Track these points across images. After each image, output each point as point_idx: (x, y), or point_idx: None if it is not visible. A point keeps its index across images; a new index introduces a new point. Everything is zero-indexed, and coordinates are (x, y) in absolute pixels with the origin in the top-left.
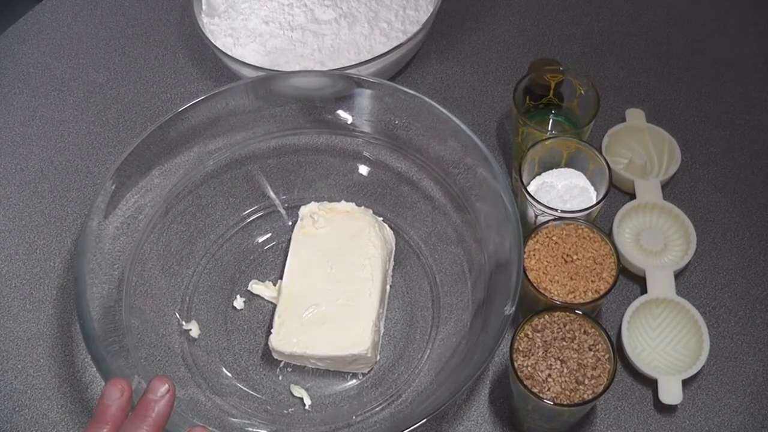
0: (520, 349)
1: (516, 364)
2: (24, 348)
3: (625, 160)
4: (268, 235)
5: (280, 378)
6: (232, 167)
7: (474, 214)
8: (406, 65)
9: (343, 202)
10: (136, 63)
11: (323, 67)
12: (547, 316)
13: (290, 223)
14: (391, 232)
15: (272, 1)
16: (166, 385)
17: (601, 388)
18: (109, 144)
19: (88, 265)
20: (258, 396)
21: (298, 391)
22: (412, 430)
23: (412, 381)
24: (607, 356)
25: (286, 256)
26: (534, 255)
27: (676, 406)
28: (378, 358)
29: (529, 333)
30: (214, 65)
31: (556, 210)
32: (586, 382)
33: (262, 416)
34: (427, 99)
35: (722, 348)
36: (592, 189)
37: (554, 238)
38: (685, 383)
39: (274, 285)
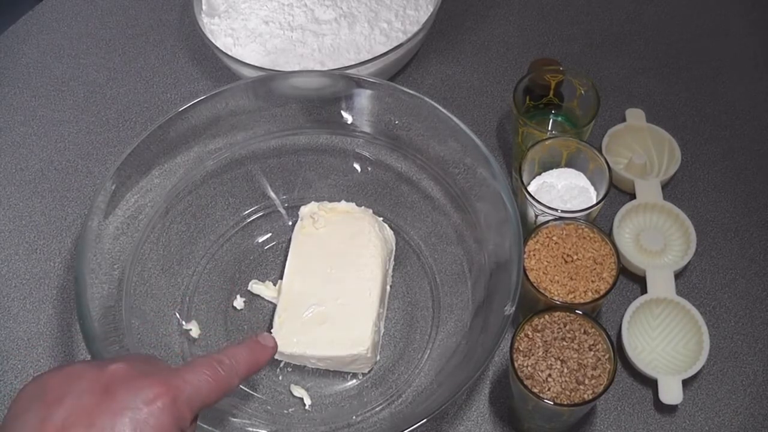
0: (520, 349)
1: (516, 364)
2: (24, 348)
3: (625, 160)
4: (268, 235)
5: (280, 378)
6: (232, 167)
7: (474, 214)
8: (406, 65)
9: (343, 202)
10: (136, 63)
11: (323, 67)
12: (547, 316)
13: (290, 223)
14: (391, 232)
15: (272, 1)
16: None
17: (601, 388)
18: (109, 144)
19: (88, 265)
20: (258, 396)
21: (298, 391)
22: (412, 430)
23: (412, 381)
24: (607, 356)
25: (286, 256)
26: (534, 255)
27: (676, 406)
28: (378, 358)
29: (529, 333)
30: (214, 65)
31: (557, 210)
32: (586, 382)
33: (262, 416)
34: (427, 99)
35: (722, 348)
36: (592, 189)
37: (554, 238)
38: (685, 383)
39: (274, 285)
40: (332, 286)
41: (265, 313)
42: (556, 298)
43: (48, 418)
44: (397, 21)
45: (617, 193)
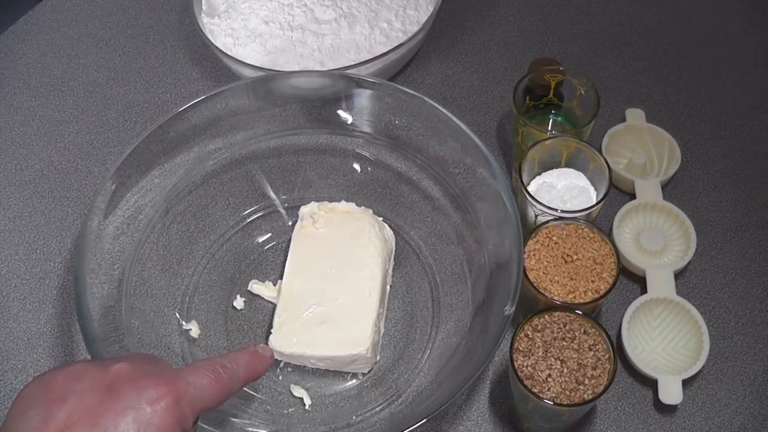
0: (520, 349)
1: (516, 364)
2: (24, 348)
3: (625, 160)
4: (268, 235)
5: (280, 378)
6: (232, 167)
7: (474, 214)
8: (406, 65)
9: (343, 202)
10: (136, 63)
11: (323, 67)
12: (547, 316)
13: (290, 223)
14: (391, 232)
15: (272, 1)
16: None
17: (601, 388)
18: (109, 144)
19: (88, 265)
20: (258, 396)
21: (298, 391)
22: (412, 430)
23: (412, 381)
24: (607, 356)
25: (286, 256)
26: (534, 255)
27: (676, 406)
28: (378, 358)
29: (529, 333)
30: (214, 65)
31: (556, 210)
32: (586, 382)
33: (262, 416)
34: (427, 99)
35: (722, 348)
36: (592, 189)
37: (554, 238)
38: (685, 383)
39: (274, 285)
40: (332, 286)
41: (265, 313)
42: (556, 298)
43: (50, 418)
44: (397, 21)
45: (617, 193)
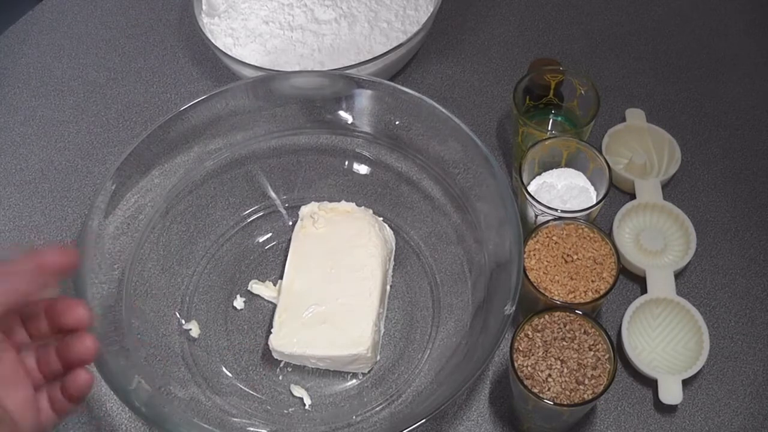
0: (520, 349)
1: (516, 364)
2: None
3: (625, 160)
4: (269, 235)
5: (280, 378)
6: (232, 167)
7: (474, 214)
8: (406, 65)
9: (343, 202)
10: (136, 63)
11: (323, 67)
12: (547, 316)
13: (290, 223)
14: (391, 232)
15: (272, 1)
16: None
17: (601, 388)
18: (109, 144)
19: (88, 265)
20: (258, 396)
21: (298, 391)
22: (412, 430)
23: (412, 381)
24: (607, 356)
25: (287, 256)
26: (534, 255)
27: (676, 406)
28: (378, 358)
29: (529, 333)
30: (214, 65)
31: (556, 210)
32: (586, 382)
33: (262, 416)
34: (427, 99)
35: (722, 348)
36: (592, 189)
37: (554, 238)
38: (685, 383)
39: (274, 285)
40: (332, 285)
41: (265, 313)
42: (556, 298)
43: None
44: (397, 21)
45: (617, 193)
